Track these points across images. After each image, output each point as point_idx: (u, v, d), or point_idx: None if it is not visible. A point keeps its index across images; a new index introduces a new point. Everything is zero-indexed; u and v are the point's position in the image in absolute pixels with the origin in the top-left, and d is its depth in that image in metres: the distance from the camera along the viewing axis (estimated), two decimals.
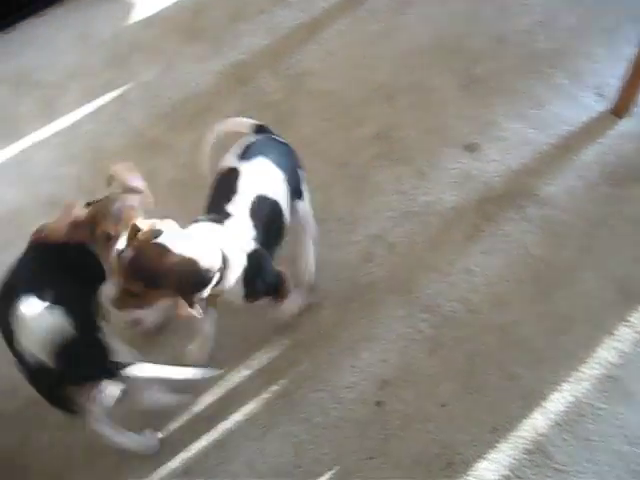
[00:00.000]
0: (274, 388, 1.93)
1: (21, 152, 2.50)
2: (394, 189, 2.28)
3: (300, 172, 1.95)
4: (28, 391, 1.93)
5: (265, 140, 1.89)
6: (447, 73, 2.57)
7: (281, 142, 1.93)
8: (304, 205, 1.99)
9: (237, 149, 1.83)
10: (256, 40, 2.75)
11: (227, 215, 1.69)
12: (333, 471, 1.81)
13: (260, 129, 1.95)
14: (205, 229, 1.64)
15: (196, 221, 1.67)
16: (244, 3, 2.89)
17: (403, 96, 2.53)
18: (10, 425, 1.95)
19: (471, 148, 2.37)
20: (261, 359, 1.98)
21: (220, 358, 1.98)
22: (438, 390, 1.90)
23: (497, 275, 2.09)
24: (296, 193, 1.91)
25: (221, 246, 1.60)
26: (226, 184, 1.76)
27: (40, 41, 2.84)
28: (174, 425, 1.89)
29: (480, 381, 1.91)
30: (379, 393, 1.91)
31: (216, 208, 1.73)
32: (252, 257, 1.69)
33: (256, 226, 1.72)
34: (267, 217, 1.76)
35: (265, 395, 1.92)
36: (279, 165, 1.83)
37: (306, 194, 1.98)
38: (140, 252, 1.49)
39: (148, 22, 2.85)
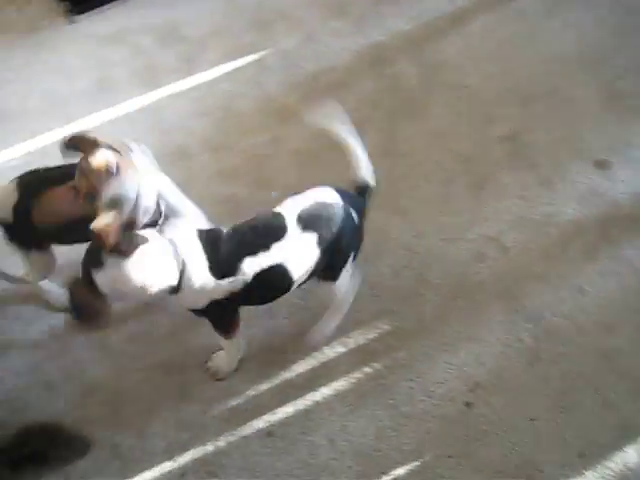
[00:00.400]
0: (366, 369, 1.94)
1: (158, 101, 2.58)
2: (516, 194, 2.24)
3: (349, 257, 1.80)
4: (134, 327, 2.06)
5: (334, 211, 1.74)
6: (587, 84, 2.50)
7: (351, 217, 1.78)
8: (333, 287, 1.84)
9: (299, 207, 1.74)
10: (398, 24, 2.74)
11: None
12: (411, 462, 1.81)
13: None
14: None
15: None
16: None
17: (539, 101, 2.47)
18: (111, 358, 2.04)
19: (602, 165, 2.30)
20: (358, 339, 1.99)
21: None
22: (529, 403, 1.87)
23: (609, 299, 2.03)
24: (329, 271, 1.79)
25: None
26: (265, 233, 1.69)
27: None
28: (264, 387, 1.94)
29: (574, 402, 1.86)
30: (469, 394, 1.89)
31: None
32: None
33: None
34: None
35: (356, 374, 1.93)
36: (320, 243, 1.70)
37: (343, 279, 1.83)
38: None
39: None
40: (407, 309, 2.03)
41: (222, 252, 1.65)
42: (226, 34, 2.76)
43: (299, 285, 1.76)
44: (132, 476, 1.84)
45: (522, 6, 2.75)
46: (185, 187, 2.32)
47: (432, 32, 2.71)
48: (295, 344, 1.99)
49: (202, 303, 1.67)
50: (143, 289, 1.53)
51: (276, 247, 1.66)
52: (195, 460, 1.85)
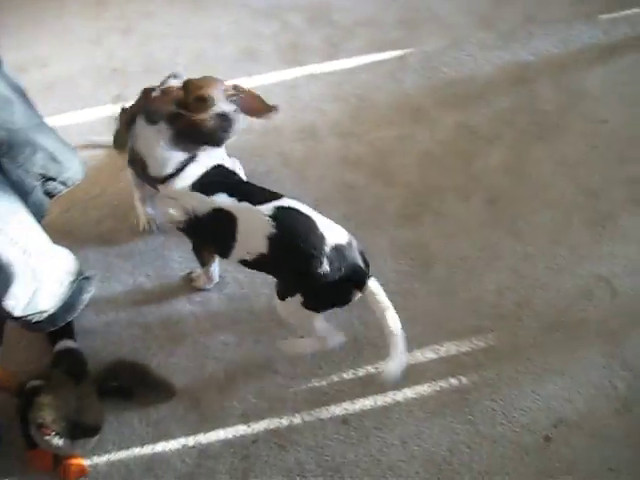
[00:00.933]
0: (452, 381, 1.93)
1: (296, 78, 2.64)
2: (636, 239, 2.17)
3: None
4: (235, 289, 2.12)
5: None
6: None
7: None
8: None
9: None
10: (546, 46, 2.70)
11: None
12: None
13: None
14: None
15: None
16: (544, 6, 2.84)
17: None
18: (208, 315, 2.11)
19: None
20: (449, 349, 1.98)
21: (412, 333, 2.01)
22: (611, 452, 1.81)
23: None
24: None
25: None
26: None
27: None
28: (348, 375, 1.96)
29: None
30: (551, 429, 1.85)
31: None
32: None
33: None
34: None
35: (441, 383, 1.93)
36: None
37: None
38: None
39: None
40: (504, 330, 2.01)
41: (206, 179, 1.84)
42: (374, 26, 2.79)
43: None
44: (206, 432, 1.89)
45: None
46: (305, 165, 2.38)
47: (579, 60, 2.65)
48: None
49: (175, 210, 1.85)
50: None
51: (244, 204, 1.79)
52: (268, 430, 1.89)
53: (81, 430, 1.80)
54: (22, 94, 1.68)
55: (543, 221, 2.23)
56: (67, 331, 2.02)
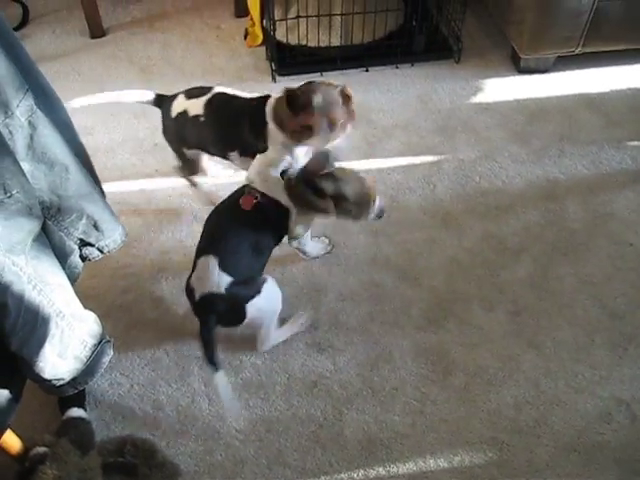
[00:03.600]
0: None
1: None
2: None
3: None
4: None
5: None
6: None
7: None
8: None
9: None
10: (577, 165, 2.76)
11: None
12: None
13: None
14: None
15: None
16: (579, 129, 2.92)
17: None
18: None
19: None
20: (463, 458, 1.94)
21: (426, 439, 1.99)
22: None
23: None
24: None
25: None
26: None
27: (386, 88, 3.07)
28: (358, 476, 1.92)
29: None
30: None
31: None
32: None
33: None
34: None
35: None
36: None
37: None
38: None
39: (484, 109, 2.97)
40: (520, 446, 1.98)
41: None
42: (411, 130, 2.87)
43: None
44: None
45: None
46: (334, 259, 2.40)
47: (608, 182, 2.71)
48: (402, 444, 1.97)
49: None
50: None
51: None
52: None
53: None
54: (83, 157, 1.74)
55: (565, 338, 2.22)
56: (78, 399, 2.01)
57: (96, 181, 1.81)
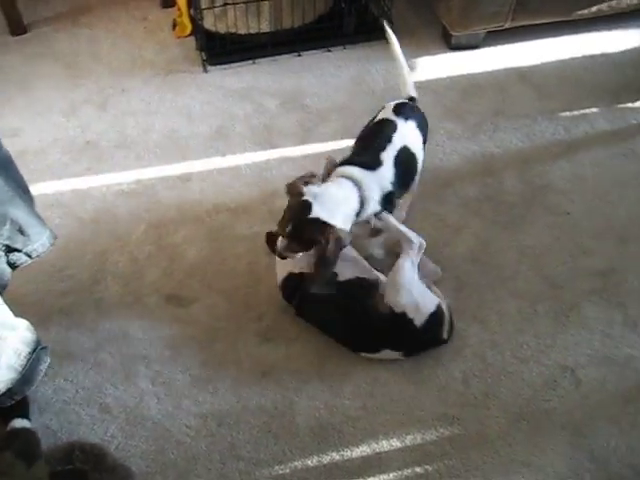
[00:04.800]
0: (418, 470, 1.90)
1: (268, 160, 2.68)
2: (601, 330, 2.21)
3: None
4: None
5: (413, 106, 2.30)
6: None
7: (421, 113, 2.31)
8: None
9: (393, 106, 2.26)
10: (512, 139, 2.79)
11: (380, 162, 2.08)
12: None
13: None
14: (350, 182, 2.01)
15: (350, 163, 2.09)
16: (512, 102, 2.95)
17: (636, 243, 2.45)
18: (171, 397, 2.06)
19: None
20: (415, 437, 1.96)
21: (378, 421, 1.99)
22: None
23: None
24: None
25: (365, 189, 2.01)
26: (382, 134, 2.16)
27: (320, 72, 3.05)
28: (312, 462, 1.92)
29: None
30: None
31: (370, 153, 2.11)
32: (386, 197, 2.08)
33: (396, 173, 2.09)
34: (406, 166, 2.15)
35: (407, 472, 1.90)
36: (421, 130, 2.25)
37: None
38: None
39: (417, 88, 2.85)
40: (470, 419, 2.00)
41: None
42: (347, 112, 2.86)
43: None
44: None
45: (636, 148, 2.77)
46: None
47: (543, 154, 2.75)
48: (354, 428, 1.97)
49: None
50: None
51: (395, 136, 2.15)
52: None
53: None
54: (5, 163, 1.68)
55: (509, 310, 2.25)
56: (21, 409, 1.95)
57: (19, 185, 1.74)
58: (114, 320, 2.21)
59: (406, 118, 2.21)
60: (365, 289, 2.11)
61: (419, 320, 2.03)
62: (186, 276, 2.32)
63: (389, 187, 2.07)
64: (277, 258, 2.10)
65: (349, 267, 2.15)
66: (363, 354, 2.09)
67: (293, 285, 2.15)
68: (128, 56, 3.13)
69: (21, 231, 1.67)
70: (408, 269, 2.10)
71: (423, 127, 2.28)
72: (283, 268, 2.18)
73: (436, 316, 2.07)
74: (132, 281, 2.30)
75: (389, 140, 2.13)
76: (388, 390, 2.05)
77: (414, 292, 2.07)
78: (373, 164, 2.07)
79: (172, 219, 2.48)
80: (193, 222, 2.47)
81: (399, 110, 2.23)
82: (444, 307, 2.11)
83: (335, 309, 2.10)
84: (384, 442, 1.95)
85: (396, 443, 1.95)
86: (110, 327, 2.20)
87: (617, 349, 2.17)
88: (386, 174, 2.07)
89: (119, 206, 2.53)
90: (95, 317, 2.22)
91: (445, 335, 2.09)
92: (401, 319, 2.03)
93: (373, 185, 2.03)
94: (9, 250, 1.68)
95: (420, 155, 2.23)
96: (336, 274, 2.11)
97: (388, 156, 2.10)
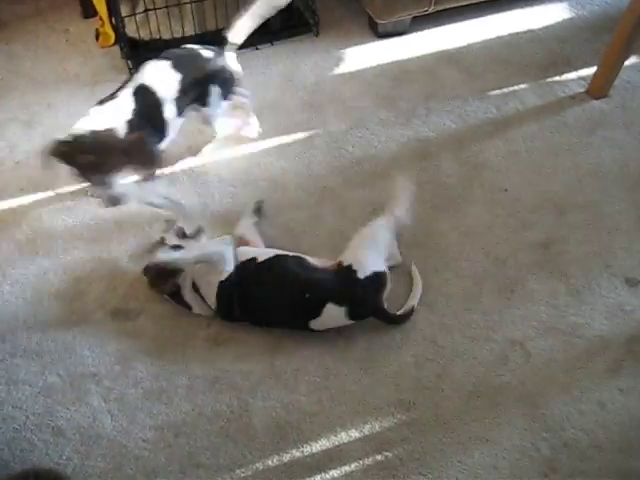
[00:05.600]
0: (378, 458, 1.91)
1: (203, 165, 2.66)
2: (545, 301, 2.25)
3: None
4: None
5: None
6: (625, 202, 2.53)
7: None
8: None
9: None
10: (445, 121, 2.82)
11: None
12: None
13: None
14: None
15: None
16: (442, 85, 2.97)
17: (574, 213, 2.50)
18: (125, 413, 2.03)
19: (632, 282, 2.31)
20: (373, 425, 1.97)
21: (334, 413, 2.00)
22: None
23: (631, 418, 2.00)
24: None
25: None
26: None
27: (249, 70, 2.99)
28: (273, 462, 1.91)
29: None
30: None
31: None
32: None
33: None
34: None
35: (368, 462, 1.91)
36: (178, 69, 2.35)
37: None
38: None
39: (349, 78, 2.98)
40: (426, 402, 2.02)
41: None
42: (279, 109, 2.85)
43: None
44: None
45: (566, 120, 2.82)
46: None
47: (476, 134, 2.78)
48: (311, 423, 1.97)
49: None
50: None
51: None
52: None
53: None
54: None
55: (455, 291, 2.28)
56: None
57: None
58: (59, 340, 2.17)
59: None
60: (294, 257, 2.16)
61: (362, 274, 2.08)
62: (130, 289, 2.29)
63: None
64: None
65: (264, 253, 2.21)
66: (312, 324, 2.08)
67: (228, 293, 2.11)
68: (52, 70, 3.05)
69: None
70: (378, 226, 2.21)
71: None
72: (208, 285, 2.14)
73: (379, 276, 2.11)
74: (75, 299, 2.26)
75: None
76: (342, 381, 2.05)
77: (371, 247, 2.16)
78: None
79: (112, 232, 2.44)
80: (133, 234, 2.43)
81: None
82: (388, 280, 2.14)
83: (273, 290, 2.10)
84: (343, 434, 1.96)
85: (355, 434, 1.96)
86: (56, 348, 2.15)
87: (562, 318, 2.21)
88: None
89: (56, 225, 2.47)
90: (39, 339, 2.17)
91: (384, 303, 2.11)
92: (345, 270, 2.09)
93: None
94: None
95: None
96: (255, 258, 2.15)
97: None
